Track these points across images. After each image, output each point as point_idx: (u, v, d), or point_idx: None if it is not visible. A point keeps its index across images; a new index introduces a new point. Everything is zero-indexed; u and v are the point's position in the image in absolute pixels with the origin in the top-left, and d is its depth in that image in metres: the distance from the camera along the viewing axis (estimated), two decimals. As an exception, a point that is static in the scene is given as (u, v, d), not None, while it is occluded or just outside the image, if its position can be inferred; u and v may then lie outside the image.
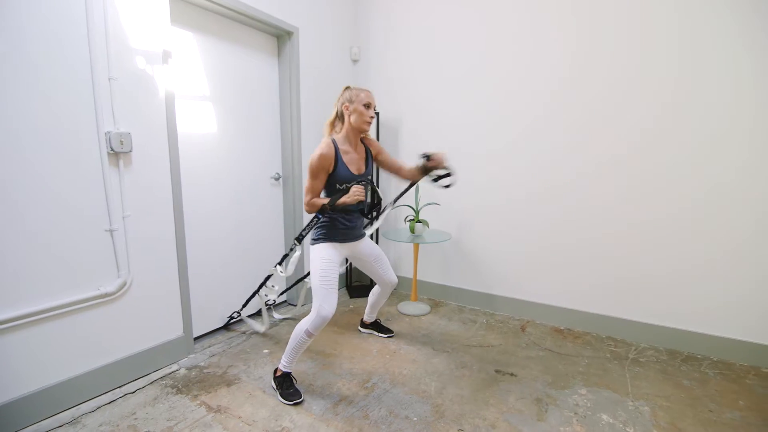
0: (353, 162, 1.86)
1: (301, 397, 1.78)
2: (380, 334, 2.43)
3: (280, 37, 2.68)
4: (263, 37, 2.60)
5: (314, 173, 1.76)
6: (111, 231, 1.80)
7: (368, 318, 2.44)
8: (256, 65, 2.58)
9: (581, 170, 2.44)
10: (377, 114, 3.01)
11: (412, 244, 2.97)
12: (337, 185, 1.80)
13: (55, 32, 1.57)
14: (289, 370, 1.84)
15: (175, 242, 2.06)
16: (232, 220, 2.51)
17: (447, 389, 1.87)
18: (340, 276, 3.23)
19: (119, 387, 1.86)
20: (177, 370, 2.03)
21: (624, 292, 2.39)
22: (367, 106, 1.82)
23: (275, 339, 2.39)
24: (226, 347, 2.28)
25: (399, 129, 3.10)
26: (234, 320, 2.53)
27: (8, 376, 1.54)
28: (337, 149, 1.80)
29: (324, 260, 1.82)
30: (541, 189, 2.58)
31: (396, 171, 2.06)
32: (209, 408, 1.72)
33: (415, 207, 2.77)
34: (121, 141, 1.77)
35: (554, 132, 2.50)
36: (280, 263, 2.23)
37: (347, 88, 1.87)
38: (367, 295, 2.51)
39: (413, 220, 2.73)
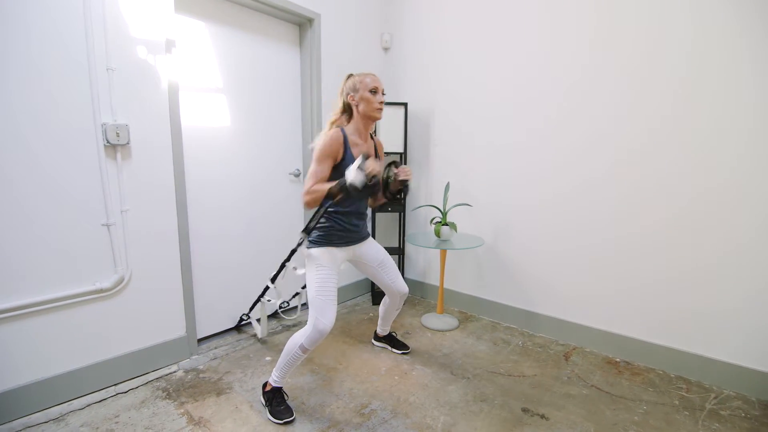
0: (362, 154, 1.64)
1: (292, 415, 1.59)
2: (394, 350, 2.16)
3: (302, 25, 2.53)
4: (282, 25, 2.47)
5: (321, 158, 1.55)
6: (108, 225, 1.75)
7: (381, 331, 2.19)
8: (275, 55, 2.45)
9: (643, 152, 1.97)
10: (405, 105, 2.74)
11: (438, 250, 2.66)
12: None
13: (53, 20, 1.54)
14: (280, 386, 1.66)
15: (177, 238, 1.99)
16: (246, 217, 2.40)
17: (457, 427, 1.56)
18: (364, 281, 3.05)
19: (114, 385, 1.81)
20: (174, 372, 1.95)
21: (704, 320, 1.88)
22: (374, 91, 1.60)
23: (281, 346, 2.23)
24: (230, 350, 2.18)
25: (431, 120, 2.80)
26: (245, 322, 2.42)
27: (0, 367, 1.54)
28: (346, 139, 1.59)
29: (321, 267, 1.61)
30: (595, 181, 2.14)
31: None
32: (190, 419, 1.60)
33: (442, 208, 2.46)
34: (117, 133, 1.71)
35: (602, 115, 2.05)
36: (288, 259, 2.05)
37: (350, 76, 1.66)
38: None
39: (440, 222, 2.43)
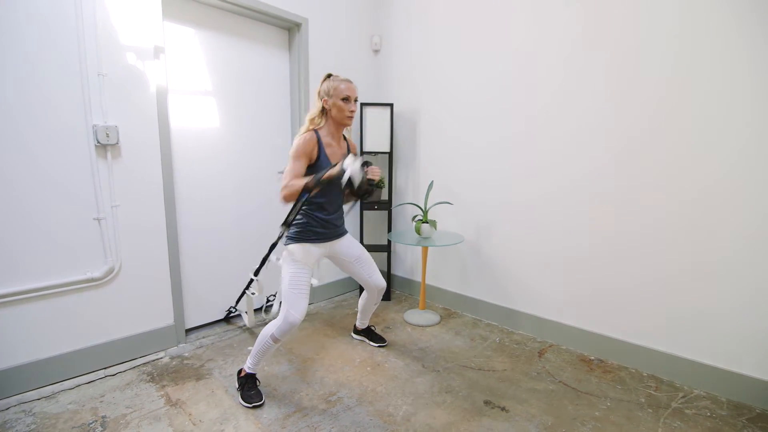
0: (335, 156, 1.74)
1: (261, 399, 1.69)
2: (371, 343, 2.23)
3: (291, 29, 2.64)
4: (271, 30, 2.58)
5: (297, 155, 1.63)
6: (99, 219, 1.89)
7: (360, 324, 2.26)
8: (264, 59, 2.56)
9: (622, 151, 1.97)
10: (391, 106, 2.81)
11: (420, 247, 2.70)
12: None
13: (49, 29, 1.69)
14: (254, 372, 1.75)
15: (166, 232, 2.11)
16: (234, 213, 2.51)
17: (417, 416, 1.62)
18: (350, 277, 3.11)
19: (103, 368, 1.94)
20: (161, 358, 2.07)
21: (678, 321, 1.87)
22: (346, 99, 1.68)
23: (264, 337, 2.34)
24: (216, 340, 2.29)
25: (417, 120, 2.86)
26: (233, 314, 2.54)
27: (-1, 347, 1.69)
28: (320, 140, 1.68)
29: (295, 262, 1.70)
30: (576, 184, 2.15)
31: None
32: (168, 400, 1.71)
33: (423, 206, 2.51)
34: (107, 134, 1.85)
35: (587, 117, 2.06)
36: (269, 253, 2.12)
37: (328, 77, 1.73)
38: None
39: (420, 220, 2.48)
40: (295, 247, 1.72)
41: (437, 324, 2.52)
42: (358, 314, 2.22)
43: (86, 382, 1.84)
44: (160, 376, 1.91)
